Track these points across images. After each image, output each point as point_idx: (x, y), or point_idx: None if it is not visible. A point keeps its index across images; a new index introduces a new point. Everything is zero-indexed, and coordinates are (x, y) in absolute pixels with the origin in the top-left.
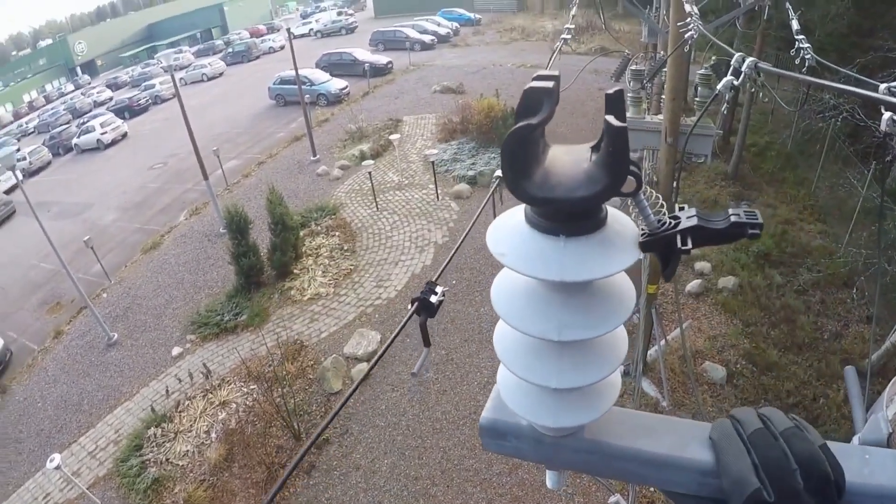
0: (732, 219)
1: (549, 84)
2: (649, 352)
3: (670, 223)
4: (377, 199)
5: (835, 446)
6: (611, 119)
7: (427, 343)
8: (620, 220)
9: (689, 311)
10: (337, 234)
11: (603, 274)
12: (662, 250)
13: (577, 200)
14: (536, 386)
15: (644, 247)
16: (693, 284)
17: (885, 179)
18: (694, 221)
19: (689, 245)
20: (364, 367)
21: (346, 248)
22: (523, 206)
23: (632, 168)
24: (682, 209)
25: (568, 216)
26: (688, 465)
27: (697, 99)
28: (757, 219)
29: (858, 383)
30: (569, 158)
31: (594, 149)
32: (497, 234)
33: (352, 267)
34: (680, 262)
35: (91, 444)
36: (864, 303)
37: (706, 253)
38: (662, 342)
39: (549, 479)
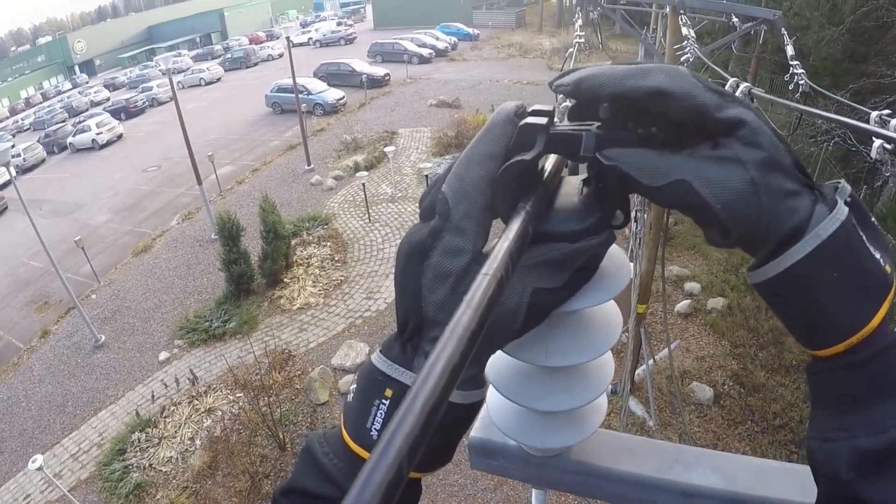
0: None
1: (544, 121)
2: (637, 371)
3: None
4: (370, 211)
5: None
6: (602, 157)
7: None
8: (611, 252)
9: (678, 331)
10: (328, 244)
11: (590, 304)
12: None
13: (566, 234)
14: (525, 408)
15: None
16: (682, 305)
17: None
18: None
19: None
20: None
21: (337, 258)
22: None
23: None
24: None
25: None
26: (671, 487)
27: None
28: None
29: None
30: (562, 191)
31: (586, 182)
32: None
33: (342, 278)
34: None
35: (74, 446)
36: None
37: (696, 274)
38: (650, 361)
39: (535, 498)
